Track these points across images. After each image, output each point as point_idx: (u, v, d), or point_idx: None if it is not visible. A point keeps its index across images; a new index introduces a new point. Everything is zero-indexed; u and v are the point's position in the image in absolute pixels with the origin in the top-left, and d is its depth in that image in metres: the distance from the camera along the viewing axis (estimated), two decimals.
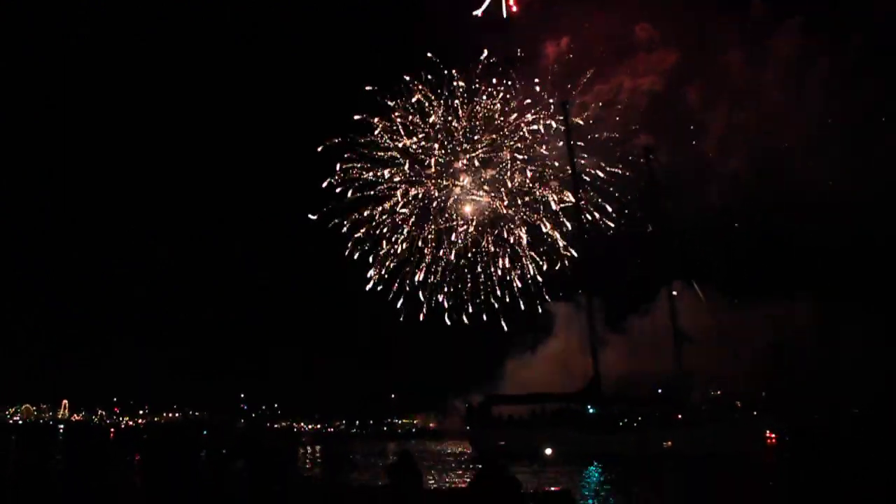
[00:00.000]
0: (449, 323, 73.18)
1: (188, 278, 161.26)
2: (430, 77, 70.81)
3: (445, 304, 73.09)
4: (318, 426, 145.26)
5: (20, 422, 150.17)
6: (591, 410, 54.46)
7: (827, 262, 68.22)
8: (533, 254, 71.88)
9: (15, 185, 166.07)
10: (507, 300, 72.73)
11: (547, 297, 72.26)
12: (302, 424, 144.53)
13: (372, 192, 73.03)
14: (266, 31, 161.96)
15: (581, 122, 69.71)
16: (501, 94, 70.95)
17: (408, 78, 71.10)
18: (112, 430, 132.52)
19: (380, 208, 73.19)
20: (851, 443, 49.07)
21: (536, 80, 70.99)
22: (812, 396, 60.77)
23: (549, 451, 49.46)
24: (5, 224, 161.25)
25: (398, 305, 73.93)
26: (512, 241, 72.62)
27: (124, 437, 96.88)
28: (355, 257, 73.89)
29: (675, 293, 59.77)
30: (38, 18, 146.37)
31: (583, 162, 68.61)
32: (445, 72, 70.46)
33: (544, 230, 71.36)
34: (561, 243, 70.64)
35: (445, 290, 72.99)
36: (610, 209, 69.64)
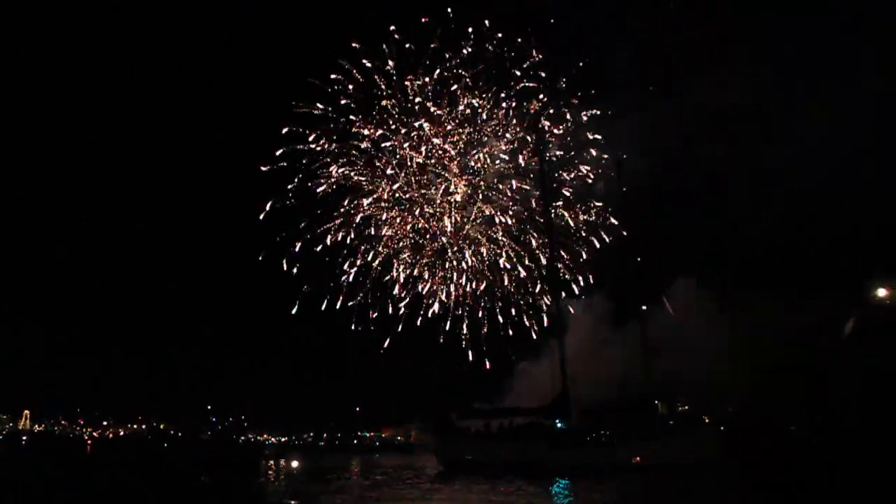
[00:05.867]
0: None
1: (153, 287, 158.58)
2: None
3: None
4: (285, 438, 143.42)
5: None
6: (559, 424, 54.11)
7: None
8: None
9: None
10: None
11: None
12: (266, 435, 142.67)
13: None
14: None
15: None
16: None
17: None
18: (89, 440, 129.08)
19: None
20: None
21: None
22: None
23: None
24: None
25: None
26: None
27: (104, 449, 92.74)
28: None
29: (644, 308, 60.00)
30: (31, 18, 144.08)
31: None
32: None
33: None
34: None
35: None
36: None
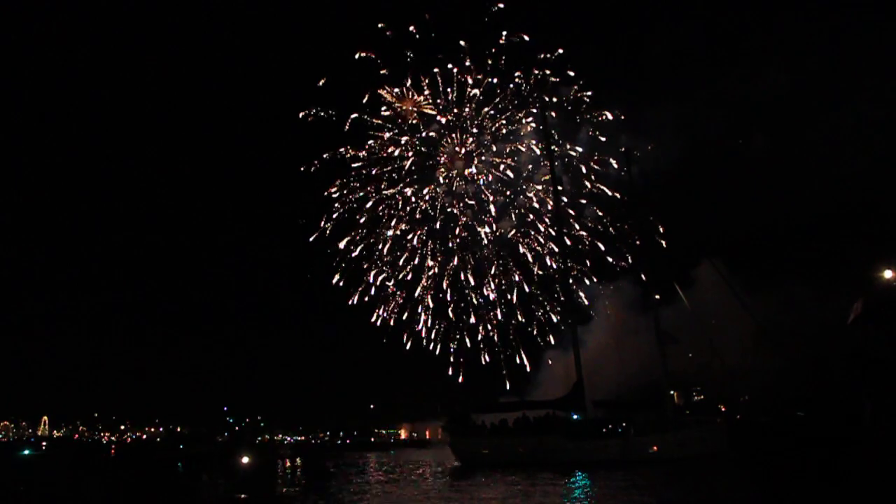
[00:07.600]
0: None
1: (153, 286, 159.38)
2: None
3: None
4: (302, 438, 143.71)
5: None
6: (575, 417, 53.48)
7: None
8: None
9: None
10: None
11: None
12: (282, 435, 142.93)
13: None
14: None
15: None
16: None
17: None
18: (113, 447, 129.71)
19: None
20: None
21: None
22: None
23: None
24: None
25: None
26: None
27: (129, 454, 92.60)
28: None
29: (657, 297, 59.24)
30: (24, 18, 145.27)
31: None
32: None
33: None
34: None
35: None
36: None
